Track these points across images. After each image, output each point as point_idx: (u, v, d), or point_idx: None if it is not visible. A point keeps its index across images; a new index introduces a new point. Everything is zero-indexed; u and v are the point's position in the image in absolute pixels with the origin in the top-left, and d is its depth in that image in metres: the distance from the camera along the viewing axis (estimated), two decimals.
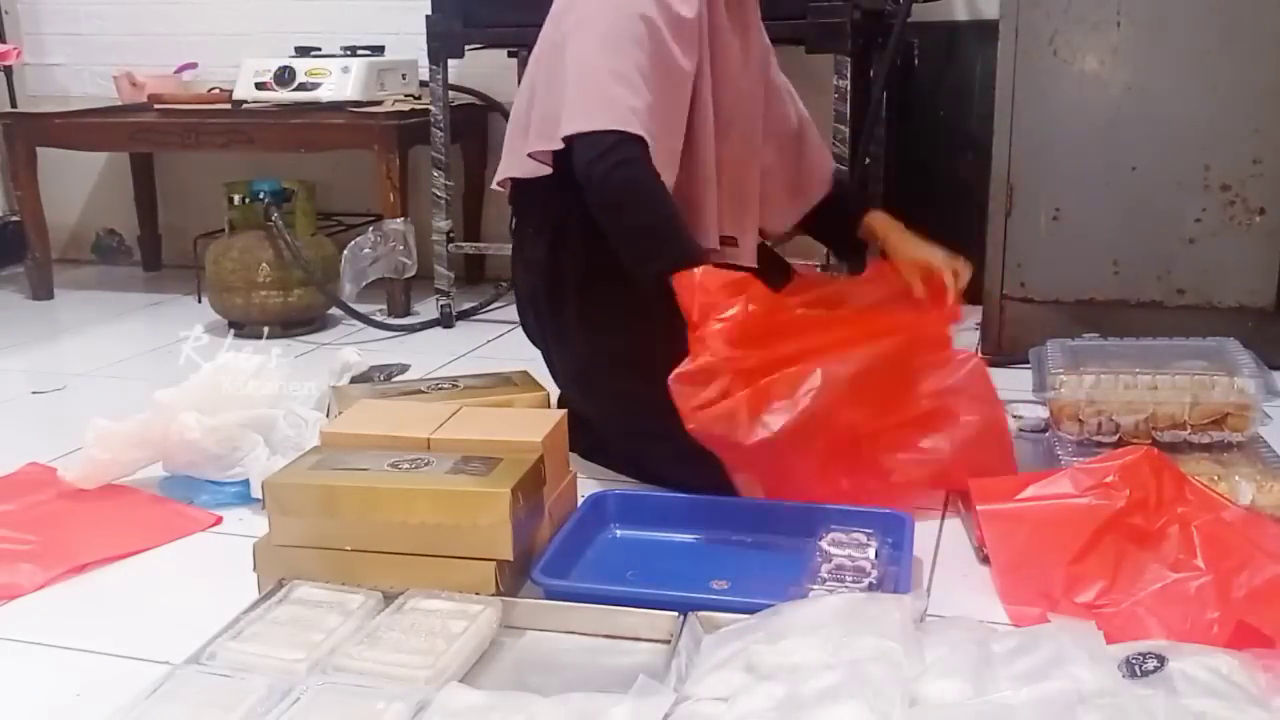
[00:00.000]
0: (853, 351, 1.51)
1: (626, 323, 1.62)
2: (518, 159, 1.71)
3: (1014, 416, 1.84)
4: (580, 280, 1.69)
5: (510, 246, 1.87)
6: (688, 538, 1.49)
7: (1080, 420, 1.64)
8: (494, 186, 1.83)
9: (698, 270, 1.47)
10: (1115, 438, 1.63)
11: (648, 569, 1.41)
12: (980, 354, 1.63)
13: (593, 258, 1.64)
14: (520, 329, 1.87)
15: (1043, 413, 1.77)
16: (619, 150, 1.50)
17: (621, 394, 1.65)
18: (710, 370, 1.43)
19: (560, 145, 1.57)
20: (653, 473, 1.66)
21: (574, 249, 1.68)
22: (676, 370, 1.43)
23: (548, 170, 1.65)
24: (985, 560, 1.41)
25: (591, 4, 1.59)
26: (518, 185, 1.77)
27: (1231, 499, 1.42)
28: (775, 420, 1.42)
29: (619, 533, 1.50)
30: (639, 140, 1.51)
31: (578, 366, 1.75)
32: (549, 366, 1.83)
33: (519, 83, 2.98)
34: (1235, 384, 1.61)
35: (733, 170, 1.74)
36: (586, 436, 1.71)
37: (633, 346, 1.61)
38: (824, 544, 1.37)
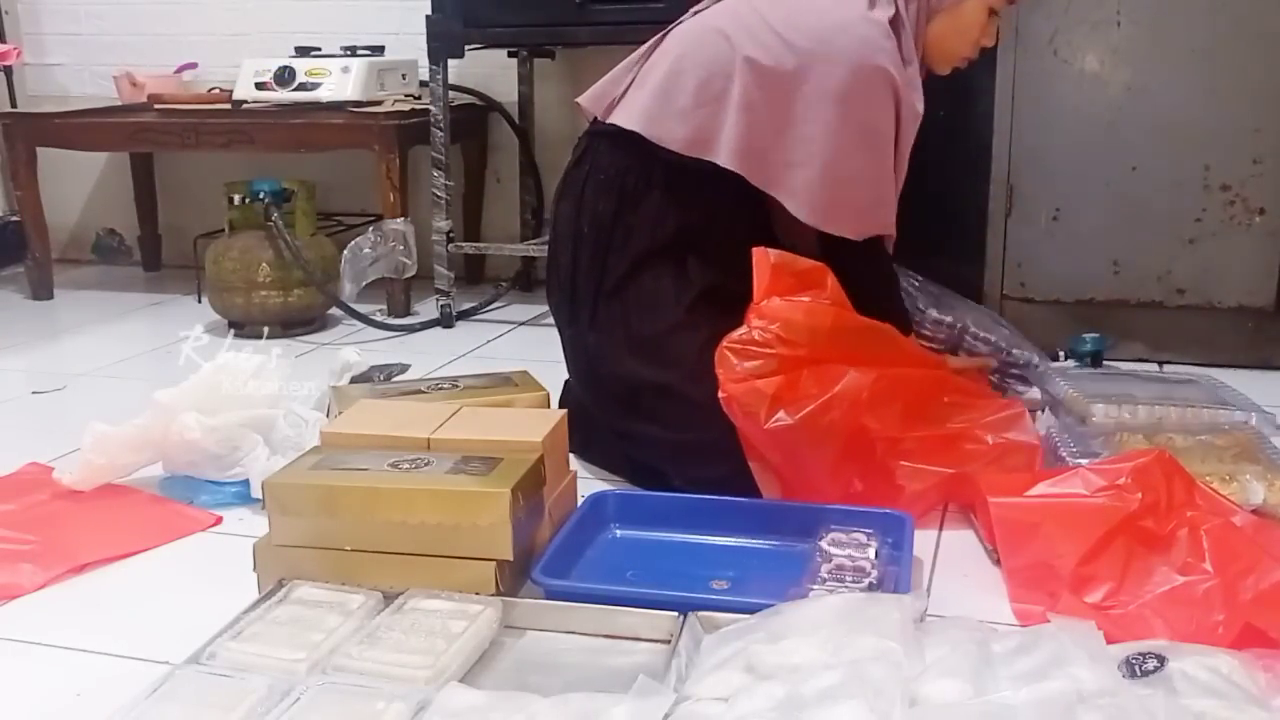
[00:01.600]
0: (897, 367, 1.53)
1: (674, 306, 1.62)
2: (667, 123, 1.61)
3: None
4: (673, 259, 1.64)
5: (517, 239, 1.86)
6: (688, 538, 1.48)
7: None
8: (579, 100, 1.74)
9: (773, 254, 1.51)
10: None
11: (648, 569, 1.41)
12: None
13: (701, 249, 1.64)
14: (513, 327, 1.85)
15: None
16: (876, 259, 1.69)
17: (634, 374, 1.62)
18: (761, 345, 1.46)
19: (757, 186, 1.59)
20: (645, 463, 1.65)
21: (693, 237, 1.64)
22: (729, 336, 1.48)
23: (703, 159, 1.59)
24: (999, 563, 1.40)
25: (837, 64, 1.56)
26: (641, 141, 1.63)
27: (1241, 498, 1.43)
28: (795, 410, 1.44)
29: (619, 533, 1.50)
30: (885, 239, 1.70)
31: (621, 337, 1.65)
32: (568, 320, 1.72)
33: (518, 83, 3.02)
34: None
35: None
36: (582, 430, 1.67)
37: (675, 327, 1.61)
38: (824, 544, 1.36)
